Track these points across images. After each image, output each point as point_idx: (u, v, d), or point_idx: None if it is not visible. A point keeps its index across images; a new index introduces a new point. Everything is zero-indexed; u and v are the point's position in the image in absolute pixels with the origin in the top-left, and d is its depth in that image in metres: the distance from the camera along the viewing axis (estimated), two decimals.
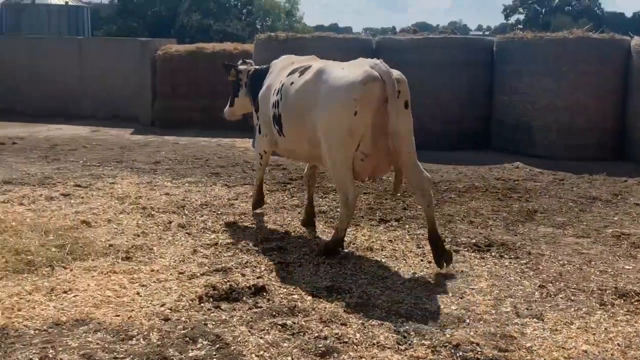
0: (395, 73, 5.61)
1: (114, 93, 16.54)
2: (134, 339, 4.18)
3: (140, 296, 4.88)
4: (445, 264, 5.58)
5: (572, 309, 4.83)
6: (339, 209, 6.37)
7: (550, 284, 5.33)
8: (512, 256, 6.03)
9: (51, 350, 3.99)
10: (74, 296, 4.84)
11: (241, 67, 7.53)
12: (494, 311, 4.77)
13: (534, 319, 4.64)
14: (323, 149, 5.82)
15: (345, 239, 6.32)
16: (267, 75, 6.89)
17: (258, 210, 7.36)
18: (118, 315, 4.52)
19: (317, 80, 5.88)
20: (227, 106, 7.80)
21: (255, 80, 7.16)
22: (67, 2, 56.69)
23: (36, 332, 4.25)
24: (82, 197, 7.82)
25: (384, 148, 5.58)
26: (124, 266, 5.50)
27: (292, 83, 6.20)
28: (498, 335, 4.36)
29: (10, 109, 16.81)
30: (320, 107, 5.74)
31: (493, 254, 6.09)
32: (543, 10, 79.00)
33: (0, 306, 4.61)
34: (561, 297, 5.06)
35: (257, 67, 7.47)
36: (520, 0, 80.00)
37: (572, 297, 5.06)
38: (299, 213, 7.34)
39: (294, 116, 6.14)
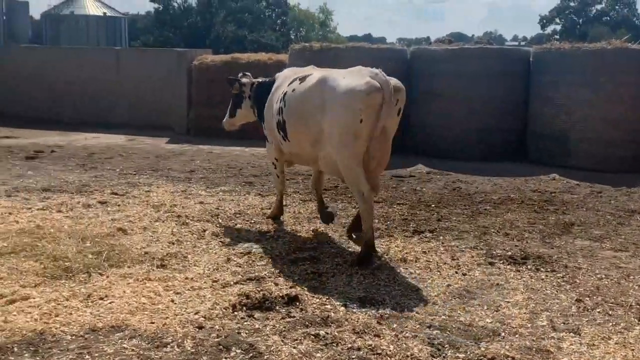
0: (394, 82, 6.04)
1: (150, 102, 16.76)
2: (168, 346, 4.22)
3: (175, 304, 4.93)
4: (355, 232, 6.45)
5: (610, 324, 4.75)
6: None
7: (588, 298, 5.25)
8: (549, 269, 5.95)
9: (87, 356, 4.05)
10: (110, 303, 4.90)
11: (244, 80, 7.77)
12: (529, 325, 4.72)
13: (571, 334, 4.57)
14: (331, 152, 6.19)
15: (379, 249, 6.34)
16: (273, 86, 7.15)
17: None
18: (153, 322, 4.57)
19: (322, 87, 6.21)
20: (227, 117, 8.00)
21: (260, 93, 7.44)
22: (105, 14, 57.77)
23: (73, 337, 4.32)
24: (119, 205, 7.93)
25: (383, 149, 6.14)
26: (158, 273, 5.56)
27: (293, 90, 6.56)
28: (534, 349, 4.31)
29: (49, 118, 17.16)
30: (328, 114, 6.10)
31: (529, 266, 6.03)
32: (580, 21, 78.17)
33: (38, 311, 4.69)
34: (598, 312, 4.99)
35: (261, 79, 7.70)
36: (557, 11, 79.29)
37: (610, 312, 4.98)
38: (333, 223, 7.34)
39: (297, 121, 6.49)
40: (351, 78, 6.06)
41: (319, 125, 6.21)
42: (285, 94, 6.66)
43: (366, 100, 5.84)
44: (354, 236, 6.63)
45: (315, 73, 6.53)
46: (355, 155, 6.00)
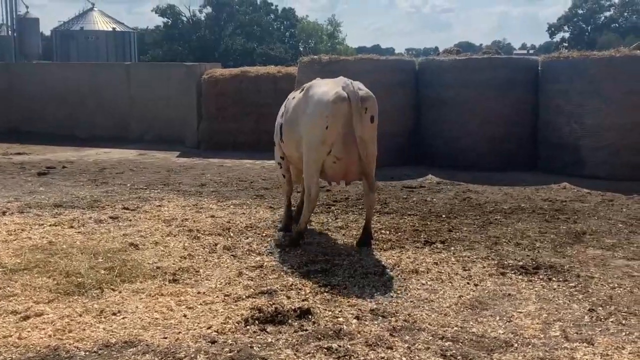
0: (362, 92, 6.59)
1: (160, 116, 16.85)
2: None
3: (187, 318, 4.94)
4: (364, 246, 6.90)
5: (624, 334, 4.73)
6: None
7: (601, 308, 5.22)
8: (561, 279, 5.93)
9: None
10: (123, 318, 4.93)
11: None
12: (542, 335, 4.70)
13: (584, 344, 4.55)
14: (303, 152, 6.87)
15: (390, 261, 6.39)
16: None
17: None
18: (166, 338, 4.58)
19: (305, 95, 6.94)
20: None
21: None
22: (114, 29, 58.19)
23: (86, 353, 4.34)
24: (130, 220, 7.97)
25: (354, 155, 6.61)
26: (171, 288, 5.58)
27: (293, 98, 7.29)
28: None
29: (61, 134, 17.25)
30: (304, 118, 6.81)
31: (541, 276, 6.01)
32: (589, 28, 78.02)
33: (52, 327, 4.72)
34: (612, 321, 4.96)
35: None
36: (565, 19, 79.19)
37: (623, 321, 4.95)
38: (344, 235, 7.36)
39: (289, 125, 7.16)
40: (328, 87, 6.74)
41: (300, 129, 6.88)
42: (287, 100, 7.43)
43: (332, 108, 6.49)
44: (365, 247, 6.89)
45: (307, 83, 7.19)
46: (317, 160, 6.70)
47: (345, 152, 6.62)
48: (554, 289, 5.68)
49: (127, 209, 8.60)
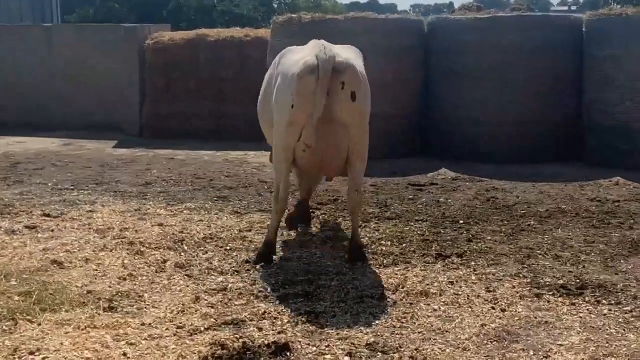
0: (339, 62, 6.51)
1: (91, 95, 16.76)
2: None
3: (128, 358, 4.92)
4: (358, 262, 6.90)
5: None
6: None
7: None
8: (613, 301, 5.97)
9: None
10: (43, 358, 4.89)
11: None
12: None
13: None
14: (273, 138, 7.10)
15: (392, 280, 6.41)
16: None
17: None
18: None
19: (276, 64, 7.18)
20: None
21: None
22: None
23: None
24: (52, 230, 7.95)
25: (332, 142, 6.65)
26: (106, 319, 5.55)
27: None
28: None
29: None
30: (273, 95, 6.95)
31: (587, 298, 6.04)
32: None
33: None
34: None
35: None
36: None
37: None
38: (332, 247, 7.37)
39: (262, 105, 7.49)
40: (301, 54, 6.79)
41: (272, 108, 7.03)
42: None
43: (298, 83, 6.49)
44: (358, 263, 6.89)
45: (286, 49, 7.39)
46: (286, 147, 6.75)
47: (320, 139, 6.56)
48: (604, 315, 5.71)
49: (49, 215, 8.57)
